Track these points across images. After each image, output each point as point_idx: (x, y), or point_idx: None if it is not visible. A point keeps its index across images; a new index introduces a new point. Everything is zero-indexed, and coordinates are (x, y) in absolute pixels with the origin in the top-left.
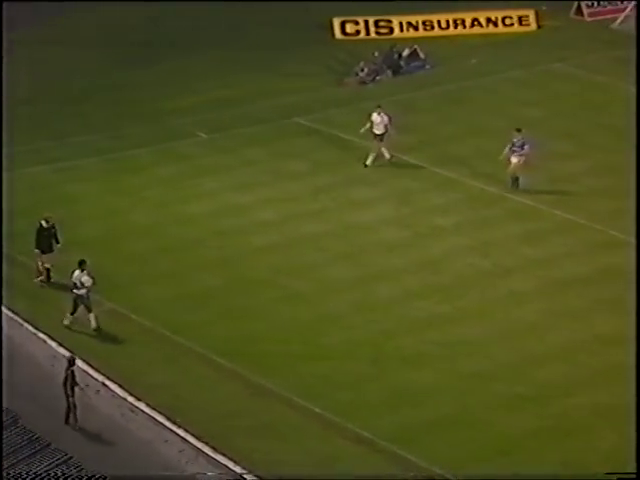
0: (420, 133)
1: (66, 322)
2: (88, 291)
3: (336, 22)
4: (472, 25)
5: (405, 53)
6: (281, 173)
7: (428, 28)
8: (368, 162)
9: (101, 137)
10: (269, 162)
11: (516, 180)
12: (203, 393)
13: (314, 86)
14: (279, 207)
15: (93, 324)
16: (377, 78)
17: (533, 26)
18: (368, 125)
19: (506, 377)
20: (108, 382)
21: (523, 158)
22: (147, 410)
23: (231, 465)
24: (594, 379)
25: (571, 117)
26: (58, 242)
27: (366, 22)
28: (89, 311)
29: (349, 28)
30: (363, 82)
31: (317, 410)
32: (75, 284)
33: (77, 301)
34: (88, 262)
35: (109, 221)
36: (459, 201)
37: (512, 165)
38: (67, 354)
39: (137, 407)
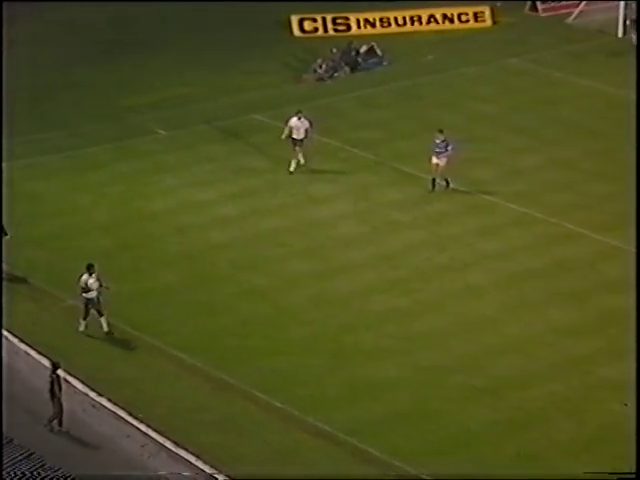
0: (378, 129)
1: (81, 328)
2: (99, 294)
3: (294, 20)
4: (428, 22)
5: (362, 50)
6: (241, 169)
7: (385, 25)
8: (291, 169)
9: (61, 135)
10: (229, 159)
11: (447, 182)
12: (164, 388)
13: (273, 83)
14: (239, 203)
15: (105, 327)
16: (335, 75)
17: (488, 22)
18: (287, 131)
19: (464, 370)
20: (69, 378)
21: (446, 159)
22: (109, 405)
23: (193, 460)
24: (550, 371)
25: (526, 112)
26: (6, 234)
27: (324, 19)
28: (100, 315)
29: (307, 25)
30: (321, 79)
31: (277, 404)
32: (83, 288)
33: (88, 305)
34: (96, 266)
35: (70, 218)
36: (416, 196)
37: (438, 167)
38: (30, 351)
39: (99, 402)
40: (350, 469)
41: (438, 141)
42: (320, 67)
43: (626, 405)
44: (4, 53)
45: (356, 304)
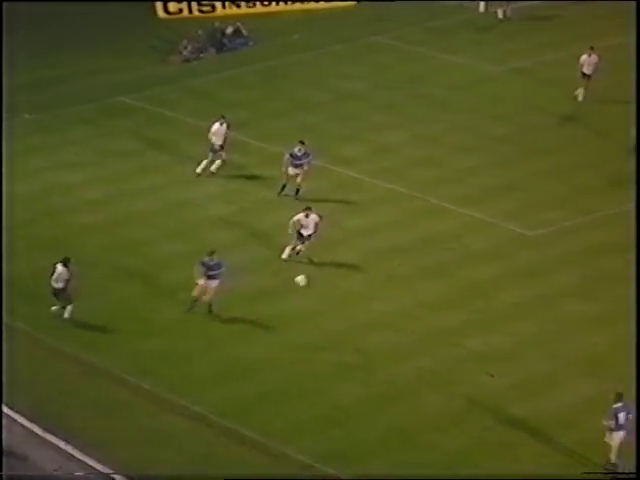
0: (246, 109)
1: (67, 315)
2: (66, 286)
3: (159, 1)
4: (293, 1)
5: (228, 31)
6: (109, 152)
7: (250, 5)
8: (213, 169)
9: None
10: (96, 141)
11: (297, 191)
12: (33, 373)
13: (138, 65)
14: (108, 186)
15: (67, 314)
16: (201, 56)
17: (352, 1)
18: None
19: (334, 347)
20: None
21: (303, 169)
22: None
23: (62, 445)
24: (419, 345)
25: (391, 89)
26: None
27: (188, 1)
28: (64, 304)
29: (172, 7)
30: (187, 60)
31: (147, 387)
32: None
33: (56, 294)
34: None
35: None
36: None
37: (296, 177)
38: None
39: None
40: (222, 450)
41: (299, 154)
42: (185, 48)
43: (492, 376)
44: None
45: (227, 284)
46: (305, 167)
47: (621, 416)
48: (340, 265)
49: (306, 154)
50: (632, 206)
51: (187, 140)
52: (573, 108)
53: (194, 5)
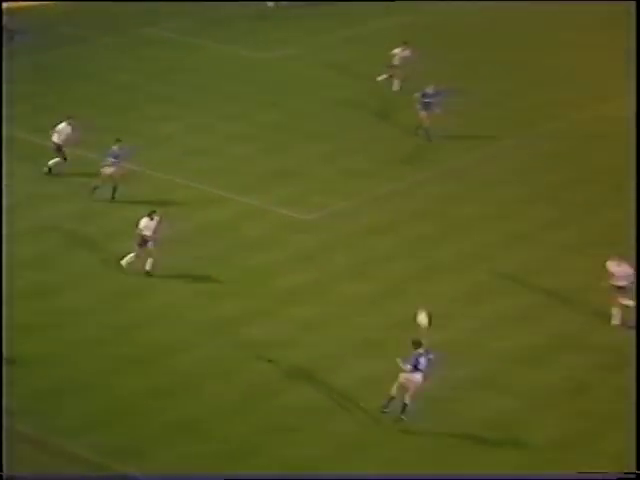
0: (16, 103)
1: None
2: None
3: None
4: None
5: None
6: None
7: None
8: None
9: None
10: None
11: (115, 190)
12: None
13: None
14: None
15: None
16: None
17: None
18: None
19: (113, 341)
20: None
21: (115, 169)
22: None
23: None
24: (198, 335)
25: (164, 80)
26: None
27: None
28: None
29: None
30: None
31: None
32: None
33: None
34: None
35: None
36: (68, 168)
37: (109, 176)
38: None
39: None
40: (3, 450)
41: (119, 152)
42: None
43: (270, 362)
44: None
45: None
46: (116, 167)
47: (422, 360)
48: (116, 258)
49: (117, 153)
50: (402, 186)
51: None
52: (347, 93)
53: None
